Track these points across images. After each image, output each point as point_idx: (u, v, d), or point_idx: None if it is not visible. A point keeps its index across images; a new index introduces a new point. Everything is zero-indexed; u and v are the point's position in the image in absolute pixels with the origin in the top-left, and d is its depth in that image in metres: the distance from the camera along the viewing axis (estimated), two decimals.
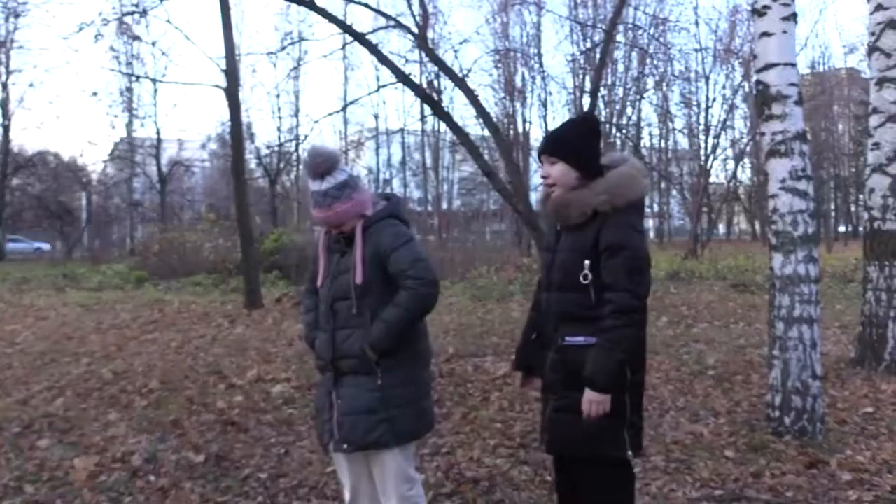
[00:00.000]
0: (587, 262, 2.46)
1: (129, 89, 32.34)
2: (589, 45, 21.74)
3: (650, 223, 43.20)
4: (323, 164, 2.60)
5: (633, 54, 23.66)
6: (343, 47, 13.70)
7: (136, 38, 26.35)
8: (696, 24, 27.38)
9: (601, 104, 22.53)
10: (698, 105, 29.67)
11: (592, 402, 2.41)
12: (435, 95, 9.39)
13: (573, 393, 2.48)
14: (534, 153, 29.75)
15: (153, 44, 25.92)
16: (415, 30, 8.34)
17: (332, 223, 2.63)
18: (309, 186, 2.66)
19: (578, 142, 2.60)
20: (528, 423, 4.91)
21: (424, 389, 2.74)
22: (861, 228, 12.10)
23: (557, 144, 2.60)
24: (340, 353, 2.62)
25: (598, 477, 2.54)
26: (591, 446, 2.49)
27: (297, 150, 30.30)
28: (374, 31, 12.32)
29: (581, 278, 2.46)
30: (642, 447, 2.57)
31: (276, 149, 30.68)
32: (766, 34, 4.65)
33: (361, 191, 2.66)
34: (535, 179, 29.92)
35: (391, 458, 2.63)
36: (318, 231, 2.93)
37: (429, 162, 38.13)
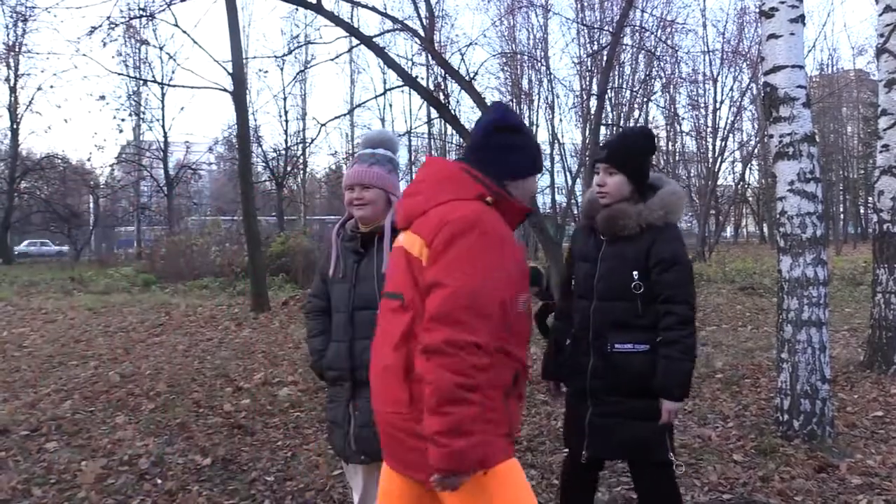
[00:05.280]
0: (636, 273, 2.55)
1: (137, 93, 32.42)
2: (596, 47, 21.69)
3: None
4: (379, 138, 2.75)
5: (641, 57, 23.58)
6: (350, 50, 13.74)
7: (144, 42, 26.48)
8: (704, 26, 27.34)
9: (608, 107, 22.46)
10: (706, 107, 29.54)
11: (671, 411, 2.51)
12: (442, 98, 9.38)
13: (621, 398, 2.56)
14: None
15: (161, 48, 26.09)
16: (421, 33, 8.35)
17: (363, 180, 2.59)
18: (358, 155, 2.72)
19: (640, 157, 2.66)
20: (534, 426, 4.90)
21: None
22: (870, 231, 12.03)
23: (621, 157, 2.62)
24: (360, 363, 2.53)
25: (651, 477, 2.61)
26: (643, 450, 2.58)
27: (303, 153, 30.40)
28: (381, 34, 12.37)
29: (633, 288, 2.55)
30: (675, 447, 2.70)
31: (283, 152, 30.70)
32: (773, 36, 4.64)
33: (397, 179, 2.70)
34: (542, 182, 29.92)
35: None
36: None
37: None
